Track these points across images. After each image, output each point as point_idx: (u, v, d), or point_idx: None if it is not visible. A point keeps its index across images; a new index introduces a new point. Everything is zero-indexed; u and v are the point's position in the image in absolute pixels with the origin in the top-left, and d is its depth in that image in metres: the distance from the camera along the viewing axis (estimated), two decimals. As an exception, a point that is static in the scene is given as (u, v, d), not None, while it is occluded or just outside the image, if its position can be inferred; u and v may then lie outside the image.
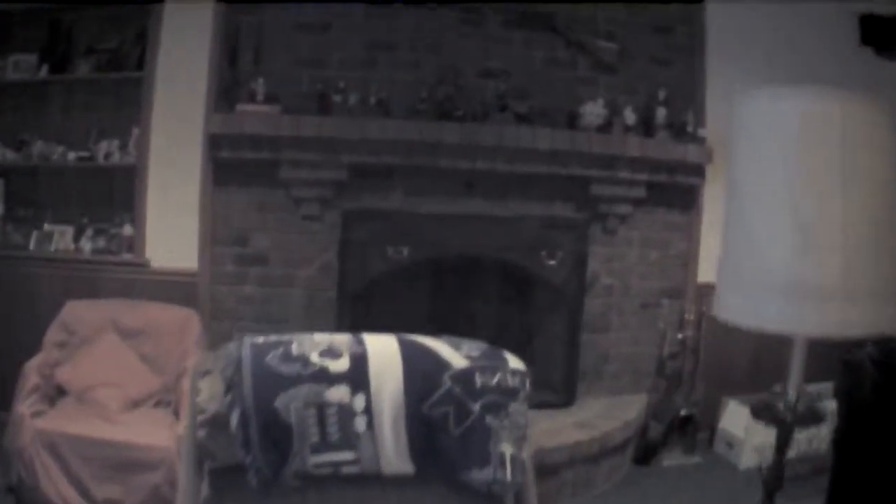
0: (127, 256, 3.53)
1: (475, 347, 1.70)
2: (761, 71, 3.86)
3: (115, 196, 3.62)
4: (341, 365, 1.58)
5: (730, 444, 3.84)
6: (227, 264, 3.42)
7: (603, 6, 3.56)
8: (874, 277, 1.52)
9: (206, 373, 1.72)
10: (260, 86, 3.36)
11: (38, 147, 3.67)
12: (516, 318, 3.68)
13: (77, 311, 3.46)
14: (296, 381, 1.56)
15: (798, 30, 3.96)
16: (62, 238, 3.64)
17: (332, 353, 1.61)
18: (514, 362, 1.68)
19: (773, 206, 1.59)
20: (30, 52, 3.75)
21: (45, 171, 3.70)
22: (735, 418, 3.89)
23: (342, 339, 1.67)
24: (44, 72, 3.67)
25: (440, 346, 1.67)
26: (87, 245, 3.59)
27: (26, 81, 3.69)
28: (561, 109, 3.48)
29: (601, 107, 3.51)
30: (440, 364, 1.63)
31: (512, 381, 1.66)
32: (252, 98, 3.38)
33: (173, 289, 3.45)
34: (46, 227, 3.68)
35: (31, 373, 3.29)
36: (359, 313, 3.45)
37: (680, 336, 3.74)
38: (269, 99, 3.38)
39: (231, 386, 1.60)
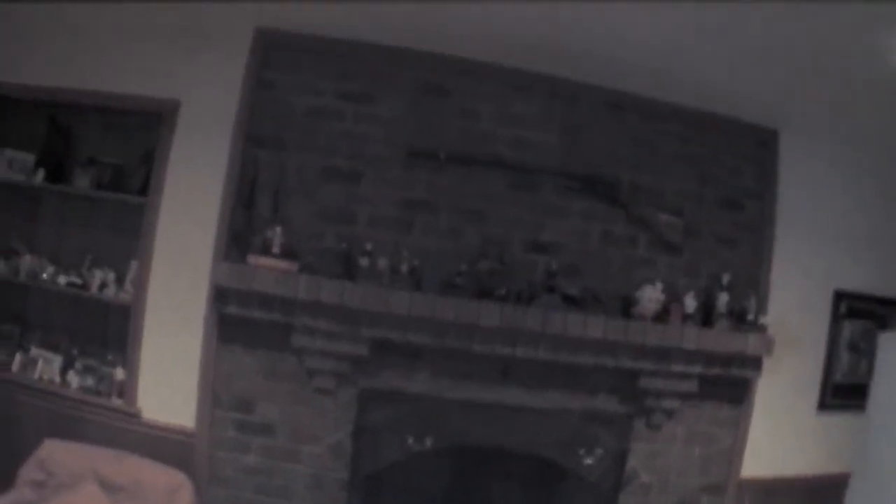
0: (117, 402, 2.89)
1: None
2: (832, 250, 3.30)
3: (108, 331, 2.98)
4: None
5: None
6: (229, 429, 2.80)
7: (672, 177, 2.98)
8: None
9: None
10: (277, 236, 2.69)
11: (27, 262, 3.02)
12: (541, 511, 3.18)
13: (56, 452, 2.85)
14: None
15: (870, 204, 3.35)
16: (48, 367, 2.99)
17: None
18: None
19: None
20: (26, 151, 3.08)
21: (36, 290, 3.08)
22: None
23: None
24: (40, 177, 3.03)
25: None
26: (74, 380, 2.94)
27: (21, 185, 3.06)
28: (615, 292, 2.85)
29: (659, 291, 2.87)
30: None
31: None
32: (267, 250, 2.70)
33: (165, 445, 2.82)
34: (33, 350, 3.03)
35: (-1, 516, 2.83)
36: (369, 496, 2.90)
37: (713, 535, 3.25)
38: (287, 253, 2.70)
39: None
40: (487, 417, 2.82)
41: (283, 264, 2.71)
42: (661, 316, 2.88)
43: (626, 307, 2.86)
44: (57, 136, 3.07)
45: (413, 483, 2.93)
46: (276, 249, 2.72)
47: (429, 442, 2.74)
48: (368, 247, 2.70)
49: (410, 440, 2.73)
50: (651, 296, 2.86)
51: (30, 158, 3.07)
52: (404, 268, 2.73)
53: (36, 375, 3.04)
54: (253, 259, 2.70)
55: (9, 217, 3.11)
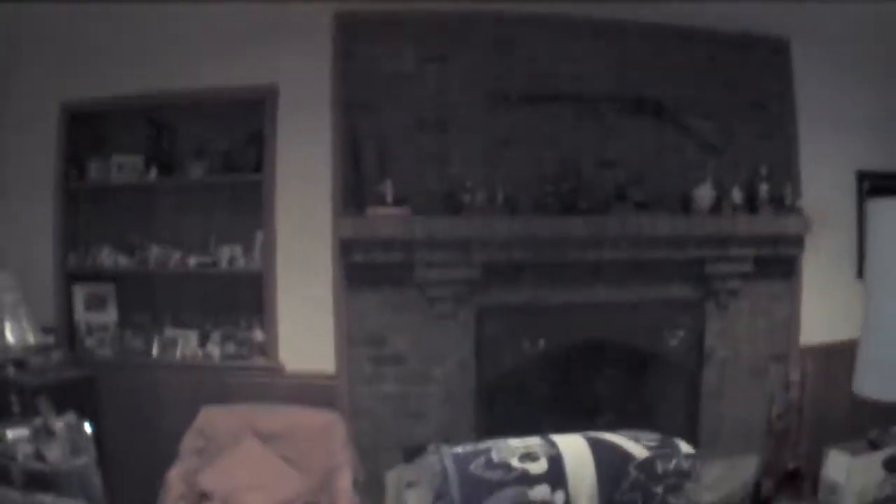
0: (259, 361, 3.79)
1: (651, 438, 2.12)
2: (851, 132, 4.33)
3: (239, 300, 3.89)
4: (540, 467, 1.97)
5: (832, 490, 4.37)
6: (365, 365, 3.71)
7: (707, 89, 3.98)
8: None
9: (411, 484, 2.07)
10: (388, 187, 3.64)
11: (153, 252, 3.90)
12: (639, 393, 4.09)
13: (213, 418, 3.70)
14: (501, 484, 1.94)
15: (881, 85, 4.42)
16: (187, 343, 3.88)
17: (530, 457, 2.00)
18: (685, 447, 2.11)
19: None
20: (133, 153, 3.96)
21: (162, 277, 3.97)
22: (836, 466, 4.42)
23: (536, 443, 2.06)
24: (152, 174, 3.90)
25: (622, 440, 2.10)
26: (215, 350, 3.83)
27: (134, 185, 3.94)
28: (674, 194, 3.87)
29: (710, 188, 3.90)
30: (625, 456, 2.05)
31: (685, 464, 2.08)
32: (381, 200, 3.64)
33: (309, 391, 3.71)
34: (168, 332, 3.92)
35: (175, 482, 3.53)
36: (493, 402, 3.82)
37: (786, 396, 4.24)
38: (398, 200, 3.66)
39: (440, 495, 1.95)
40: (584, 316, 3.82)
41: (397, 211, 3.62)
42: (715, 209, 3.87)
43: (686, 205, 3.89)
44: (161, 135, 3.89)
45: (525, 382, 3.87)
46: (388, 199, 3.62)
47: (541, 344, 3.65)
48: (468, 183, 3.63)
49: (526, 344, 3.64)
50: (704, 193, 3.86)
51: (138, 160, 3.91)
52: (500, 197, 3.67)
53: (177, 354, 3.88)
54: (371, 210, 3.60)
55: (129, 216, 3.99)
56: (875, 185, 4.44)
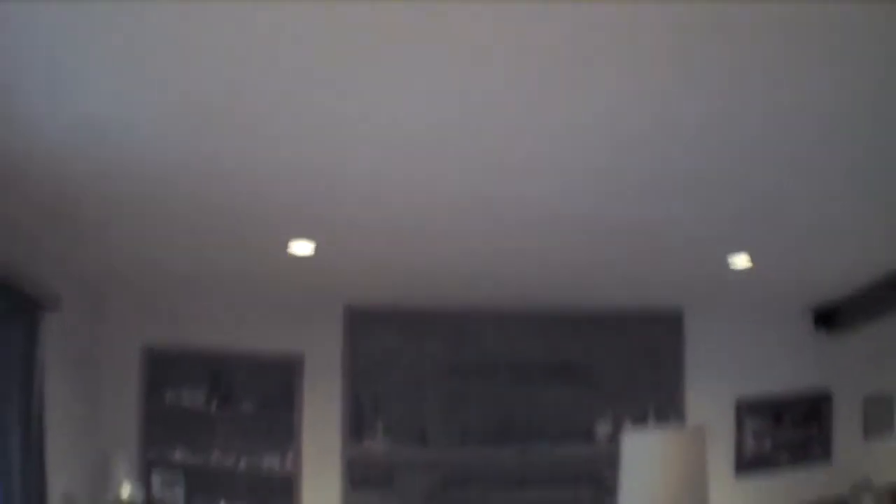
0: None
1: None
2: (730, 369, 6.26)
3: (275, 492, 5.96)
4: None
5: None
6: (362, 544, 5.86)
7: (611, 352, 5.93)
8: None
9: None
10: (379, 428, 5.74)
11: (214, 455, 6.02)
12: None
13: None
14: None
15: (762, 331, 6.34)
16: None
17: None
18: None
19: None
20: (198, 388, 6.04)
21: (221, 472, 6.10)
22: None
23: None
24: (213, 406, 6.00)
25: None
26: None
27: (199, 410, 6.05)
28: (581, 430, 5.89)
29: (609, 423, 5.89)
30: None
31: None
32: (374, 434, 5.75)
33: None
34: (224, 509, 6.11)
35: None
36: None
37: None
38: (386, 434, 5.75)
39: None
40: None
41: (385, 444, 5.66)
42: (613, 437, 5.80)
43: (589, 436, 5.81)
44: (219, 379, 5.96)
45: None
46: (379, 435, 5.67)
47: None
48: (434, 424, 5.63)
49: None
50: (602, 429, 5.82)
51: (202, 394, 5.98)
52: (456, 433, 5.66)
53: (229, 525, 6.00)
54: (367, 441, 5.65)
55: (195, 428, 6.04)
56: (750, 409, 6.32)
